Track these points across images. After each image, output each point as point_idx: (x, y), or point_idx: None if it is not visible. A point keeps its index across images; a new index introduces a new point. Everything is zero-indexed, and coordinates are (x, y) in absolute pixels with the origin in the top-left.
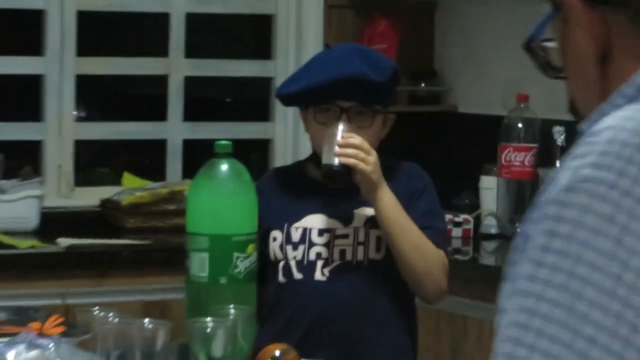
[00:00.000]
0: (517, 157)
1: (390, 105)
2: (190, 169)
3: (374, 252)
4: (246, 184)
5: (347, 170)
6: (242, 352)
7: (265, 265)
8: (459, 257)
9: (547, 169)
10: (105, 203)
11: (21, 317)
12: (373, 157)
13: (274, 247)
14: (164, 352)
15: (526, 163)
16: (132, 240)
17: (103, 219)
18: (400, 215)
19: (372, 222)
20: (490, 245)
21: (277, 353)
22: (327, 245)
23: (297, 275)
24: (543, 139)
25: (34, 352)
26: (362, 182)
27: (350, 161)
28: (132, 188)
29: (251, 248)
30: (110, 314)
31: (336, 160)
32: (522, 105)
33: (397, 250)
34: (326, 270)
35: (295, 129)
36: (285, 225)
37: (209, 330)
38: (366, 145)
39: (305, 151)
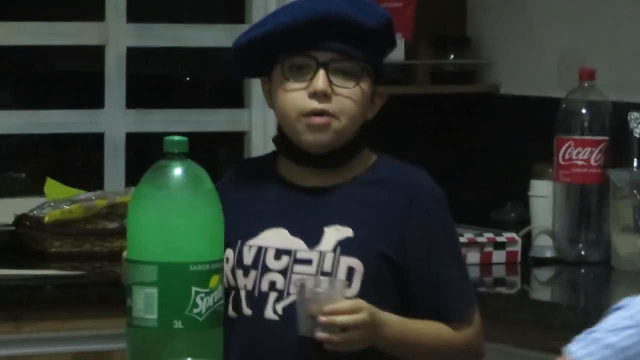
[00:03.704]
0: (580, 154)
1: (382, 77)
2: (136, 173)
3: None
4: (208, 195)
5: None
6: None
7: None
8: (501, 290)
9: (622, 170)
10: (21, 220)
11: None
12: (361, 329)
13: (226, 270)
14: None
15: (592, 162)
16: (58, 270)
17: (18, 241)
18: (418, 340)
19: (344, 247)
20: (544, 274)
21: None
22: (285, 272)
23: (246, 310)
24: (615, 130)
25: None
26: None
27: (340, 349)
28: (57, 200)
29: (215, 281)
30: None
31: (319, 335)
32: (586, 85)
33: None
34: (279, 307)
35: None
36: (239, 243)
37: None
38: (358, 316)
39: None
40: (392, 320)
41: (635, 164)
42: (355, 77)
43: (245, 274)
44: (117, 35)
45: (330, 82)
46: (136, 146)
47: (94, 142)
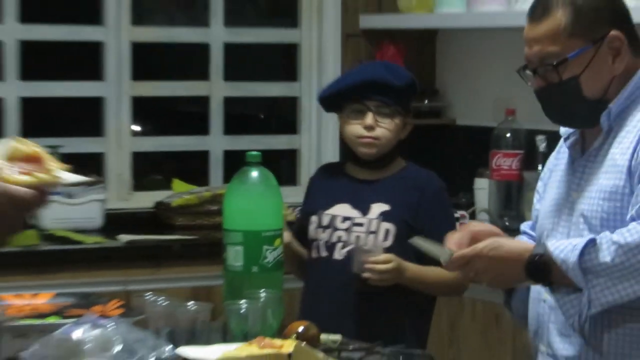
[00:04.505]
0: (505, 162)
1: (410, 113)
2: (230, 176)
3: (382, 241)
4: (273, 188)
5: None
6: (271, 329)
7: (307, 242)
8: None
9: (531, 172)
10: (159, 205)
11: (86, 301)
12: (391, 273)
13: (311, 229)
14: (205, 329)
15: (513, 167)
16: (181, 236)
17: (157, 218)
18: (426, 280)
19: (384, 216)
20: None
21: (300, 329)
22: (347, 230)
23: (324, 253)
24: (527, 147)
25: (96, 331)
26: None
27: (376, 283)
28: (180, 192)
29: (278, 242)
30: (161, 298)
31: (365, 275)
32: (509, 118)
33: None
34: (343, 252)
35: (318, 140)
36: (320, 212)
37: (243, 310)
38: (388, 265)
39: (327, 158)
40: (410, 267)
41: (539, 168)
42: (390, 116)
43: (323, 231)
44: (217, 89)
45: (375, 119)
46: (229, 159)
47: (203, 156)
